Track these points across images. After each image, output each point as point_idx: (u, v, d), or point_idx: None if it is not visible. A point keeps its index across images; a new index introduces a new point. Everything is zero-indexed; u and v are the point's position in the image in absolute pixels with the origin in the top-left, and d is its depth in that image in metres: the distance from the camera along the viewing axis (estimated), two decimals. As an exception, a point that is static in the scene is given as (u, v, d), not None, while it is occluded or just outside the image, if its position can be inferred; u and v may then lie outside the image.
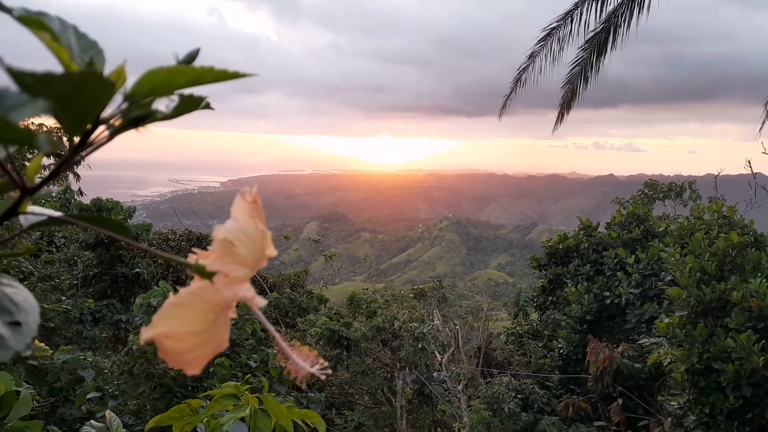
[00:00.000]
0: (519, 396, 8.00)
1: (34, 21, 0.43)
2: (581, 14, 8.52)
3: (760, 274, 5.26)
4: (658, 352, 5.72)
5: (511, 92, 9.74)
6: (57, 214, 0.50)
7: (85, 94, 0.40)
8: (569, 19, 8.65)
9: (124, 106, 0.44)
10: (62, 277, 7.74)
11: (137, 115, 0.45)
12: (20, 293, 0.46)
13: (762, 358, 4.67)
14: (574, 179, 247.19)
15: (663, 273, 7.29)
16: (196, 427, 1.62)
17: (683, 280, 5.35)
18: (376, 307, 9.31)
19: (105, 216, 0.49)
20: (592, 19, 8.48)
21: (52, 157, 5.22)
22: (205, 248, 0.49)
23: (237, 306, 0.52)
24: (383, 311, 9.03)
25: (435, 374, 9.02)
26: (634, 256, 7.90)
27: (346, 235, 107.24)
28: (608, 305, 7.98)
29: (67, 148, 0.45)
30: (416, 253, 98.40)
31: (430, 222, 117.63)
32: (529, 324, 11.27)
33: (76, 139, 0.44)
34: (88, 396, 3.65)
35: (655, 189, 11.59)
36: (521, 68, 9.42)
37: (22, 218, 0.48)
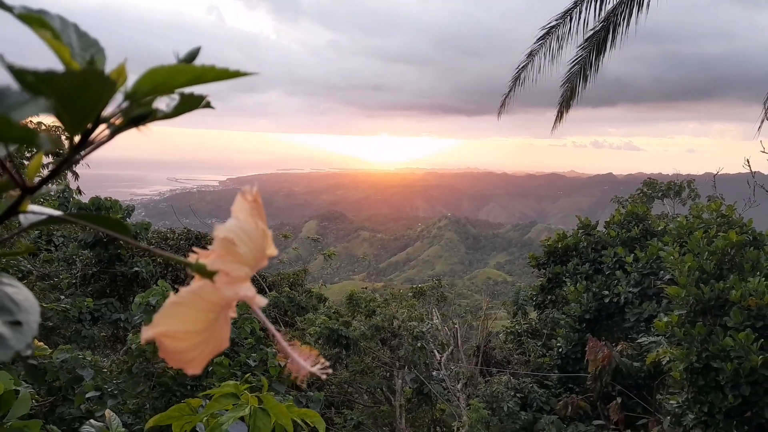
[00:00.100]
0: (518, 395, 8.01)
1: (35, 19, 0.43)
2: (580, 13, 8.51)
3: (758, 272, 5.27)
4: (657, 351, 5.73)
5: (510, 91, 9.73)
6: (57, 213, 0.50)
7: (86, 93, 0.39)
8: (568, 17, 8.64)
9: (125, 104, 0.44)
10: (61, 276, 7.73)
11: (138, 114, 0.45)
12: (21, 292, 0.46)
13: (761, 356, 4.68)
14: (573, 178, 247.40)
15: (662, 272, 7.30)
16: (196, 426, 1.62)
17: (682, 278, 5.36)
18: (375, 306, 9.30)
19: (104, 215, 0.49)
20: (591, 18, 8.48)
21: (50, 155, 5.22)
22: (204, 247, 0.49)
23: (236, 305, 0.52)
24: (382, 310, 9.02)
25: (434, 373, 9.01)
26: (633, 254, 7.91)
27: (345, 234, 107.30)
28: (607, 304, 7.99)
29: (67, 146, 0.45)
30: (415, 252, 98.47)
31: (429, 221, 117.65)
32: (528, 323, 11.29)
33: (77, 138, 0.44)
34: (87, 395, 3.64)
35: (654, 188, 11.61)
36: (520, 67, 9.41)
37: (22, 217, 0.48)
